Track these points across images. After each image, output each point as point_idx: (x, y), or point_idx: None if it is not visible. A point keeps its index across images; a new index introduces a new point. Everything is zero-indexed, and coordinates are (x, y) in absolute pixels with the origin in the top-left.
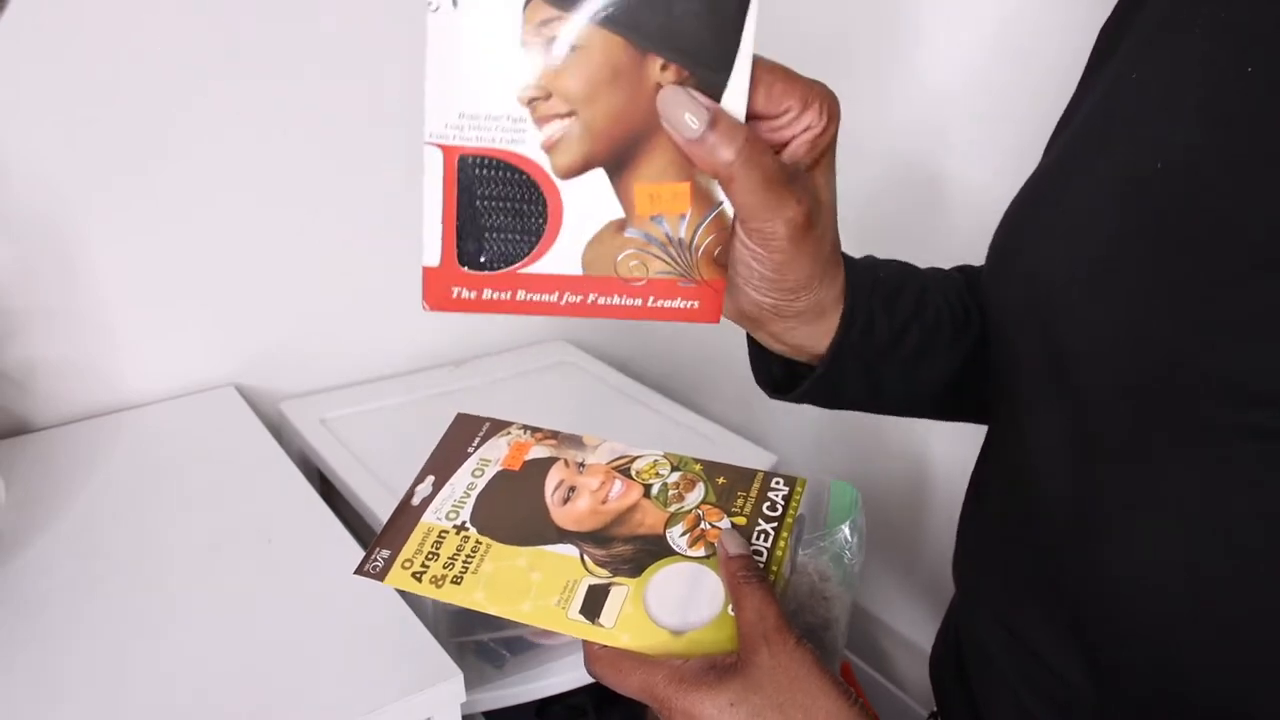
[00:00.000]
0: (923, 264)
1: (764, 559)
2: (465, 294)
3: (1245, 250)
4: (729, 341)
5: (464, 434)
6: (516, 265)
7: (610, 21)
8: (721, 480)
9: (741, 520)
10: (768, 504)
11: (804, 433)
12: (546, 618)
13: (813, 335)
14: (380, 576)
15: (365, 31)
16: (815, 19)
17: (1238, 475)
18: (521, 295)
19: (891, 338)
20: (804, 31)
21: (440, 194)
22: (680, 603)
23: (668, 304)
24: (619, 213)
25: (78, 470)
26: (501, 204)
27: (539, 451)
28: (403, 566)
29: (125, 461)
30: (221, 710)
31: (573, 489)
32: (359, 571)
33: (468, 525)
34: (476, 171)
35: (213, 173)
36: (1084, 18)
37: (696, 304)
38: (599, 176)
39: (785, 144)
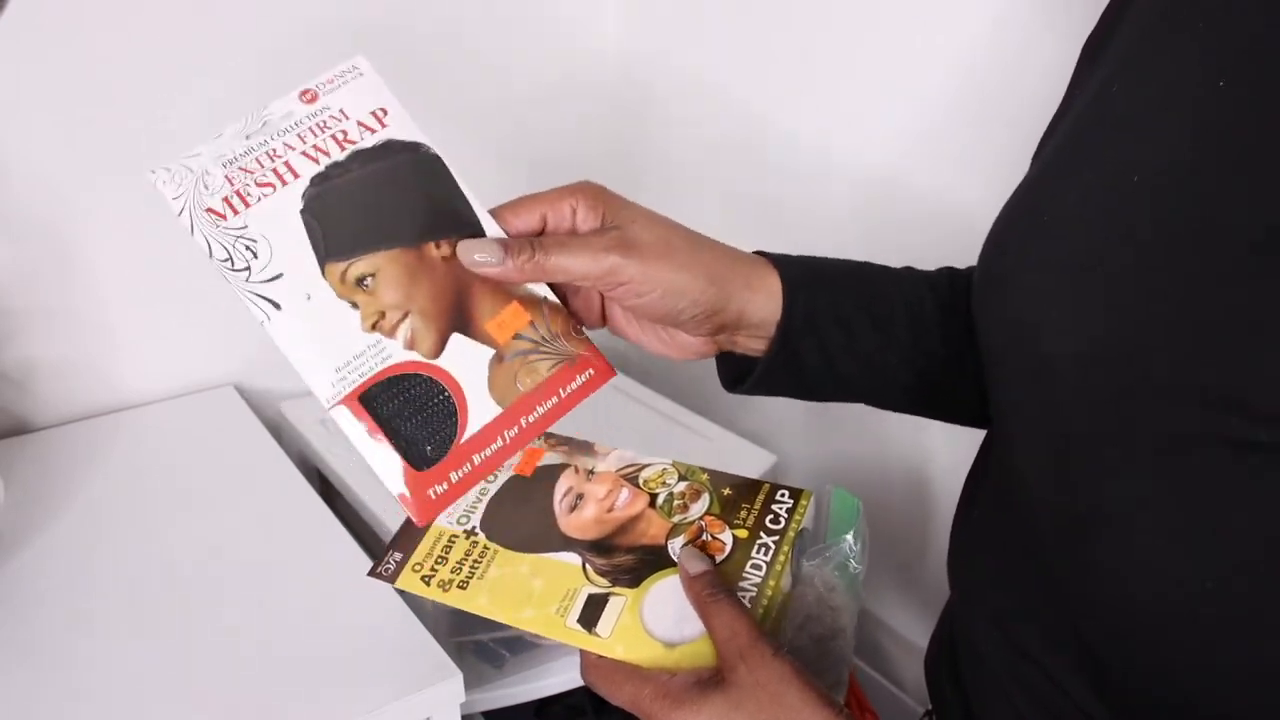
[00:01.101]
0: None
1: (763, 572)
2: (439, 489)
3: (1225, 262)
4: None
5: None
6: (458, 440)
7: (382, 243)
8: (727, 491)
9: (744, 532)
10: (770, 516)
11: (805, 433)
12: (546, 625)
13: (763, 313)
14: (392, 579)
15: (365, 30)
16: (804, 34)
17: (1218, 485)
18: (477, 459)
19: (841, 322)
20: (796, 46)
21: (366, 434)
22: (675, 616)
23: (573, 385)
24: (490, 352)
25: (77, 470)
26: (411, 405)
27: (551, 458)
28: (413, 570)
29: (125, 461)
30: (221, 710)
31: (580, 496)
32: (372, 574)
33: (477, 530)
34: (378, 396)
35: None
36: (1071, 27)
37: (591, 372)
38: (458, 339)
39: (572, 230)
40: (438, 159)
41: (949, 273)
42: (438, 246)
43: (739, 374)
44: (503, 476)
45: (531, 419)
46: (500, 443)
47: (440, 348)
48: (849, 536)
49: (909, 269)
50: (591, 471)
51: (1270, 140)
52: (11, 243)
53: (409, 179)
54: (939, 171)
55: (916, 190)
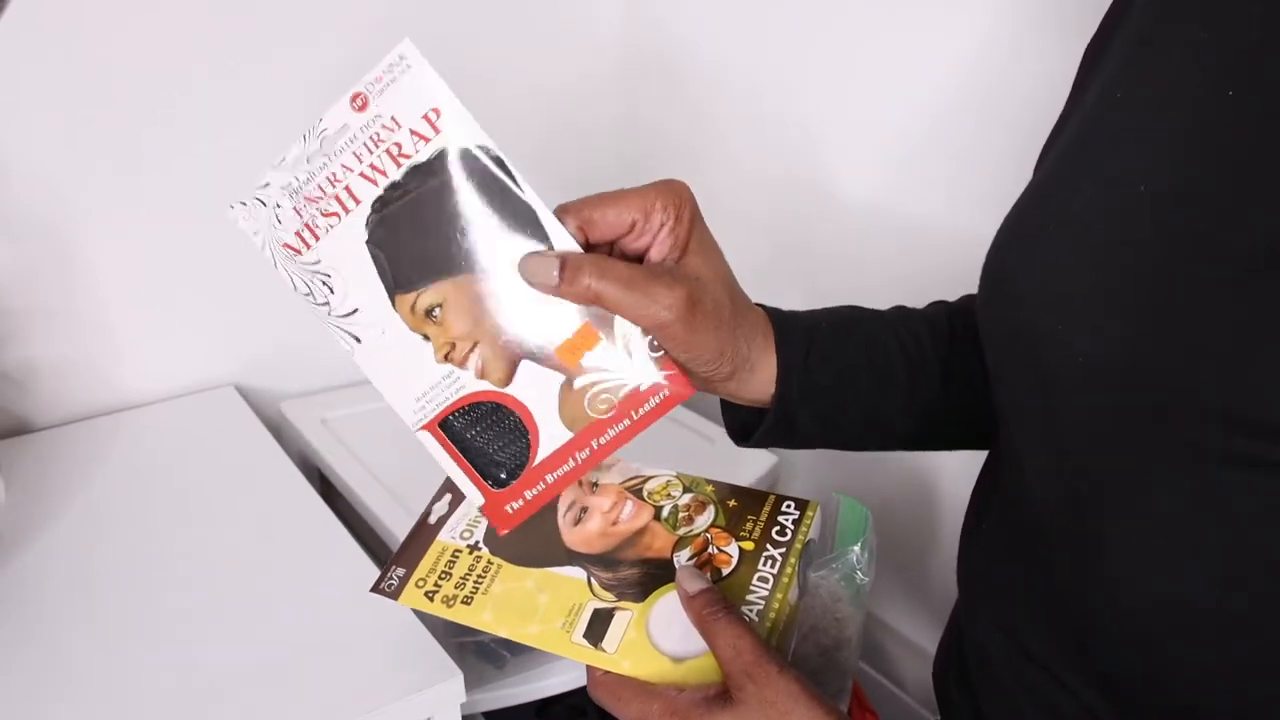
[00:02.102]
0: (911, 304)
1: (770, 585)
2: (515, 505)
3: (1230, 273)
4: None
5: None
6: (530, 463)
7: (446, 271)
8: (732, 503)
9: (750, 545)
10: (777, 528)
11: None
12: (551, 641)
13: (758, 389)
14: (395, 595)
15: (365, 33)
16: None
17: (1222, 496)
18: (550, 478)
19: (837, 384)
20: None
21: (448, 457)
22: (682, 630)
23: (646, 408)
24: (559, 378)
25: (77, 470)
26: (486, 432)
27: None
28: (416, 585)
29: (125, 461)
30: (220, 710)
31: (584, 509)
32: (375, 589)
33: (480, 545)
34: (455, 424)
35: (213, 172)
36: (1071, 35)
37: (665, 394)
38: (528, 367)
39: (648, 248)
40: (499, 161)
41: (944, 309)
42: None
43: (744, 428)
44: None
45: (602, 441)
46: (572, 464)
47: (510, 376)
48: (856, 547)
49: (901, 309)
50: (595, 484)
51: (1276, 148)
52: (11, 243)
53: (466, 194)
54: (941, 184)
55: (919, 204)
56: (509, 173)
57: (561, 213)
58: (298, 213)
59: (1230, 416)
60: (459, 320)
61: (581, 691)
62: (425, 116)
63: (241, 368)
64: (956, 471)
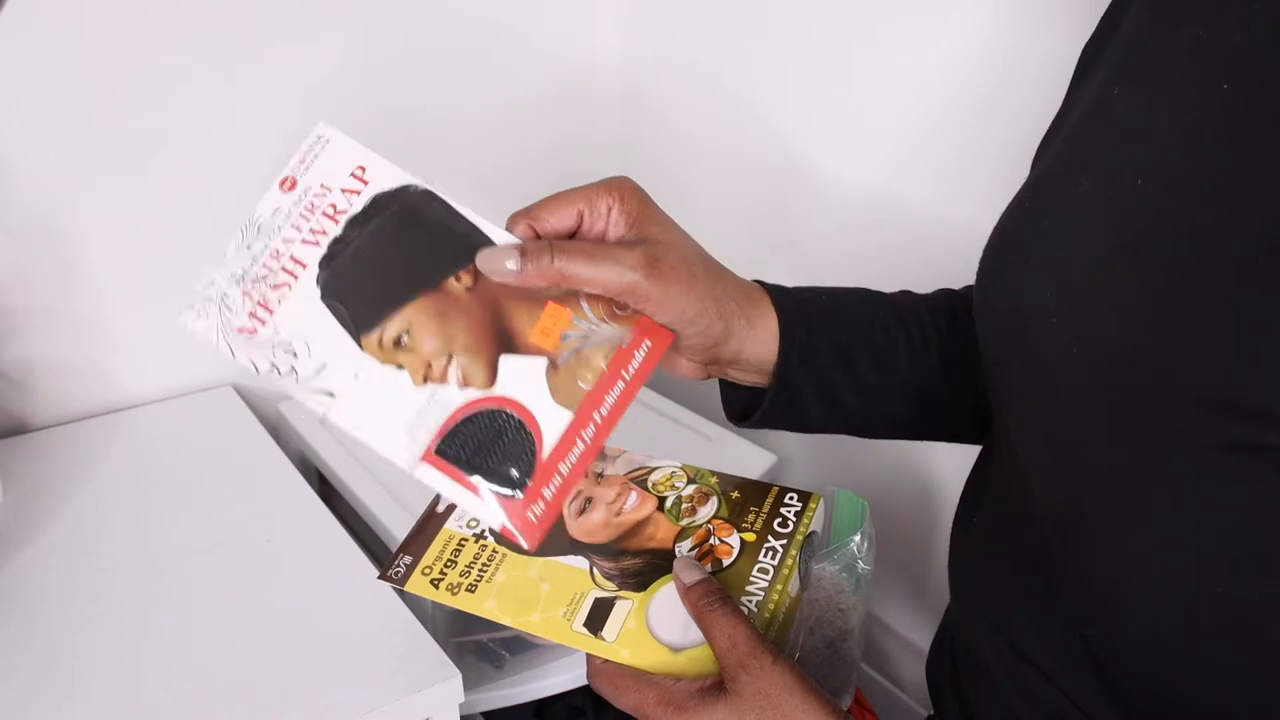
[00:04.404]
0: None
1: (770, 576)
2: (536, 510)
3: (1227, 266)
4: None
5: None
6: (539, 458)
7: (404, 297)
8: (735, 494)
9: (751, 536)
10: (779, 520)
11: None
12: (552, 629)
13: (760, 352)
14: (402, 583)
15: (364, 33)
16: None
17: (1220, 488)
18: (564, 468)
19: (840, 358)
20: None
21: (454, 484)
22: (681, 620)
23: (634, 364)
24: (543, 361)
25: (76, 470)
26: (487, 440)
27: None
28: (423, 573)
29: (124, 461)
30: (220, 710)
31: (589, 500)
32: (382, 577)
33: (486, 534)
34: (452, 444)
35: (211, 172)
36: (1068, 35)
37: (648, 343)
38: (508, 361)
39: (603, 235)
40: (428, 193)
41: (947, 294)
42: (458, 279)
43: (743, 409)
44: None
45: (604, 411)
46: (581, 445)
47: (493, 376)
48: (856, 537)
49: (905, 293)
50: (600, 474)
51: (1272, 142)
52: (11, 243)
53: (407, 225)
54: (937, 182)
55: (916, 201)
56: (443, 202)
57: (511, 222)
58: (247, 295)
59: (1231, 405)
60: (428, 339)
61: (580, 691)
62: (352, 174)
63: (240, 368)
64: (954, 469)
